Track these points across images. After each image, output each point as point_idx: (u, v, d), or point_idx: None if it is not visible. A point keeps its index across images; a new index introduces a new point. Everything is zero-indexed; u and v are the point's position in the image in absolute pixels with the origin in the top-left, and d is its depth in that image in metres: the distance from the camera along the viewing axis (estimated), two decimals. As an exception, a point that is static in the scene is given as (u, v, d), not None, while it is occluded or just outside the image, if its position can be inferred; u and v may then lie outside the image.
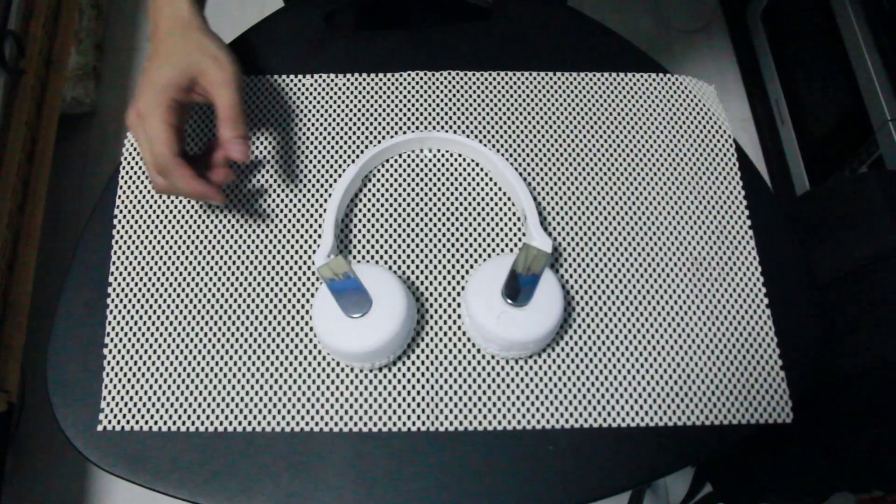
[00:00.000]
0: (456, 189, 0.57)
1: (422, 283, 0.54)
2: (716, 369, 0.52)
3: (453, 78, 0.62)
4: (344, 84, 0.61)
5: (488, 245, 0.55)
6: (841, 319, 0.72)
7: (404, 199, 0.57)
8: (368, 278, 0.47)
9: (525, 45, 0.64)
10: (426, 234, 0.55)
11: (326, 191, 0.57)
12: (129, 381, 0.51)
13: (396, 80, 0.61)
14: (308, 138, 0.59)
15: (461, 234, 0.55)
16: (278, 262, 0.54)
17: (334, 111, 0.60)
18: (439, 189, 0.57)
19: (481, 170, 0.58)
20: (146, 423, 0.49)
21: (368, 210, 0.56)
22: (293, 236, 0.55)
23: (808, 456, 0.78)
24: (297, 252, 0.55)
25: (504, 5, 0.66)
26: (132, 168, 0.58)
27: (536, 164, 0.58)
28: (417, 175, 0.58)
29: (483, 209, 0.56)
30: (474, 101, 0.61)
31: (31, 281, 1.03)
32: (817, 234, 0.77)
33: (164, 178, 0.49)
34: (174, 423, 0.49)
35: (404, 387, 0.50)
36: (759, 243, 0.56)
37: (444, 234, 0.55)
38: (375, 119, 0.60)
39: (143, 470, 0.48)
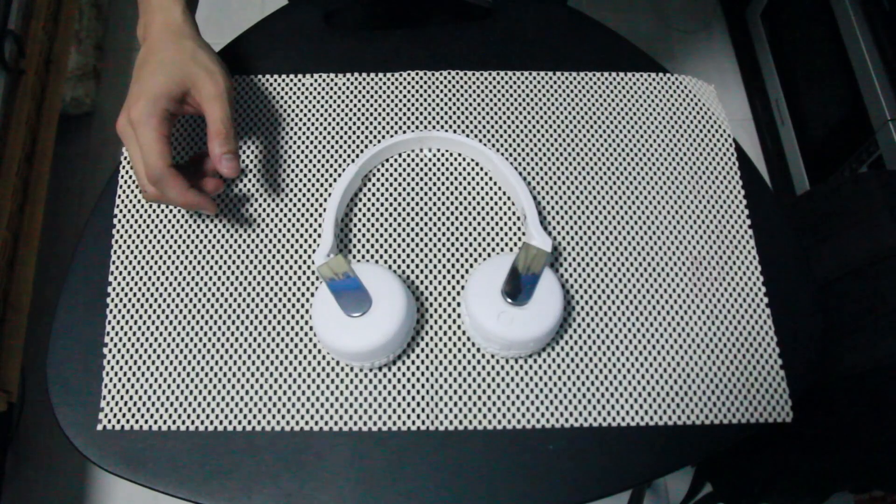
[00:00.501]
0: (456, 188, 0.57)
1: (421, 282, 0.54)
2: (715, 369, 0.51)
3: (453, 78, 0.62)
4: (344, 84, 0.61)
5: (488, 244, 0.55)
6: (841, 319, 0.72)
7: (404, 199, 0.57)
8: (368, 278, 0.47)
9: (525, 45, 0.64)
10: (426, 234, 0.55)
11: (326, 190, 0.57)
12: (128, 380, 0.51)
13: (396, 79, 0.61)
14: (308, 138, 0.59)
15: (461, 234, 0.55)
16: (278, 262, 0.54)
17: (334, 111, 0.60)
18: (439, 188, 0.57)
19: (481, 169, 0.58)
20: (146, 422, 0.49)
21: (368, 209, 0.56)
22: (293, 236, 0.55)
23: (808, 456, 0.78)
24: (296, 251, 0.55)
25: (504, 5, 0.66)
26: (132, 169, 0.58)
27: (536, 164, 0.58)
28: (417, 174, 0.58)
29: (483, 209, 0.56)
30: (474, 100, 0.61)
31: (31, 281, 1.03)
32: (817, 233, 0.77)
33: (156, 189, 0.48)
34: (174, 422, 0.49)
35: (404, 386, 0.50)
36: (759, 243, 0.56)
37: (443, 234, 0.56)
38: (375, 119, 0.60)
39: (143, 469, 0.48)
